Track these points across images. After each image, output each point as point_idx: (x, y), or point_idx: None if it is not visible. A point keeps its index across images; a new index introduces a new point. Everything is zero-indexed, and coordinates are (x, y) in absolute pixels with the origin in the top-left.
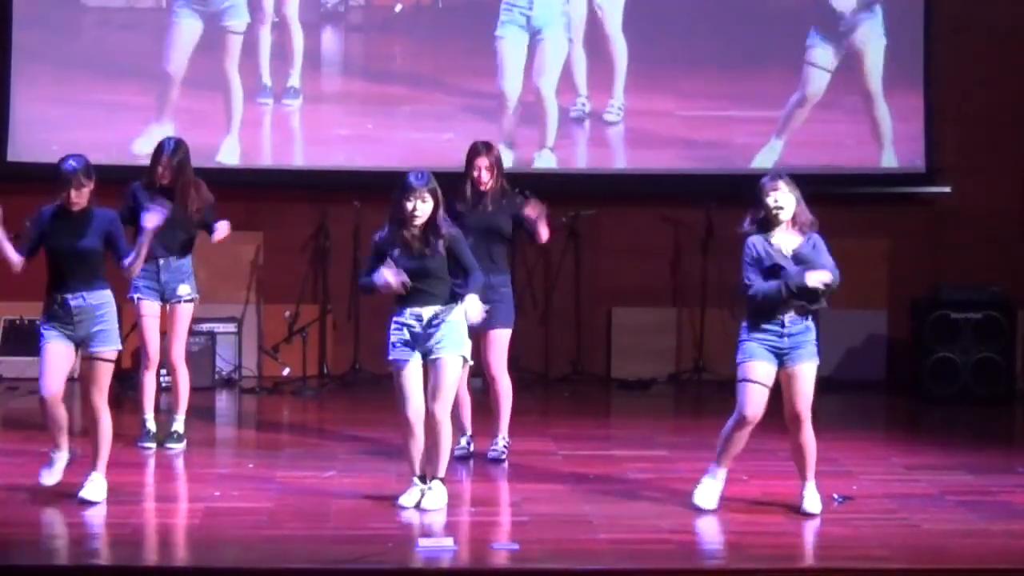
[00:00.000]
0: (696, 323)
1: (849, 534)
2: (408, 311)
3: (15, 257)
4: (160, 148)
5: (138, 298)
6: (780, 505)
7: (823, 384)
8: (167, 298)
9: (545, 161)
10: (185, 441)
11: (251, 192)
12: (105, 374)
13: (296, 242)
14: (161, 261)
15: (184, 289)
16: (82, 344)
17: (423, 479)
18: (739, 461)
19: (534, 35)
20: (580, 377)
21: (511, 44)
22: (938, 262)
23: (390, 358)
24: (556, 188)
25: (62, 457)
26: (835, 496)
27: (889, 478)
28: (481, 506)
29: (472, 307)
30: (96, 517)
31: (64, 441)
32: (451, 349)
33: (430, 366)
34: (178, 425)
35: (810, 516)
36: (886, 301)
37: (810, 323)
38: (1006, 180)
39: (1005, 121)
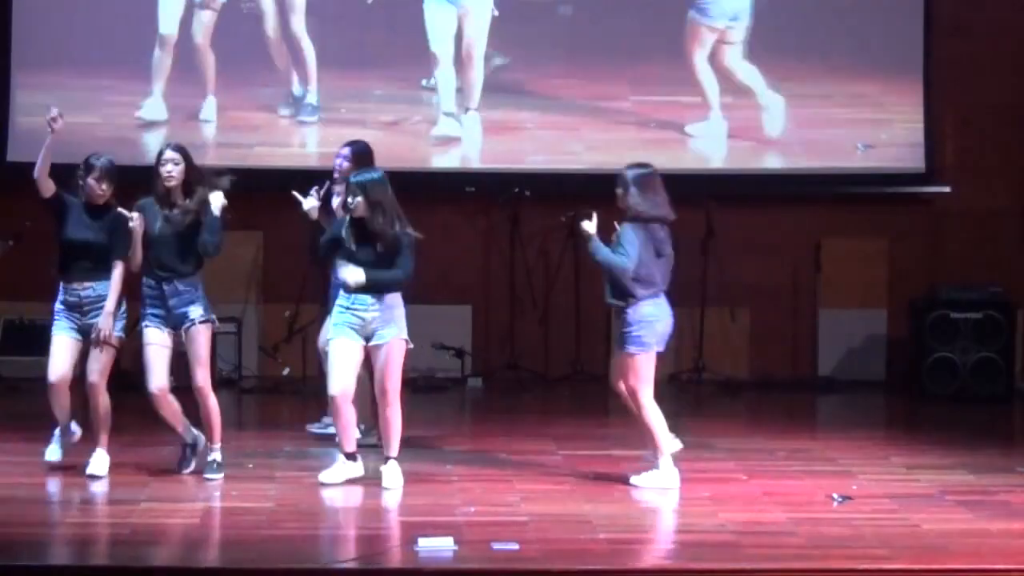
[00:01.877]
0: (696, 323)
1: (849, 534)
2: (354, 297)
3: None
4: (161, 153)
5: (144, 326)
6: (780, 505)
7: (823, 384)
8: (177, 324)
9: (471, 121)
10: (223, 471)
11: (251, 192)
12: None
13: (296, 242)
14: (166, 286)
15: (196, 311)
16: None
17: (352, 456)
18: (739, 461)
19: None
20: (580, 377)
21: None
22: (938, 262)
23: (331, 337)
24: (555, 188)
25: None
26: (835, 496)
27: (889, 478)
28: (481, 506)
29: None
30: (96, 517)
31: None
32: (396, 332)
33: (375, 350)
34: (216, 455)
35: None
36: (886, 301)
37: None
38: (1006, 180)
39: (1005, 121)
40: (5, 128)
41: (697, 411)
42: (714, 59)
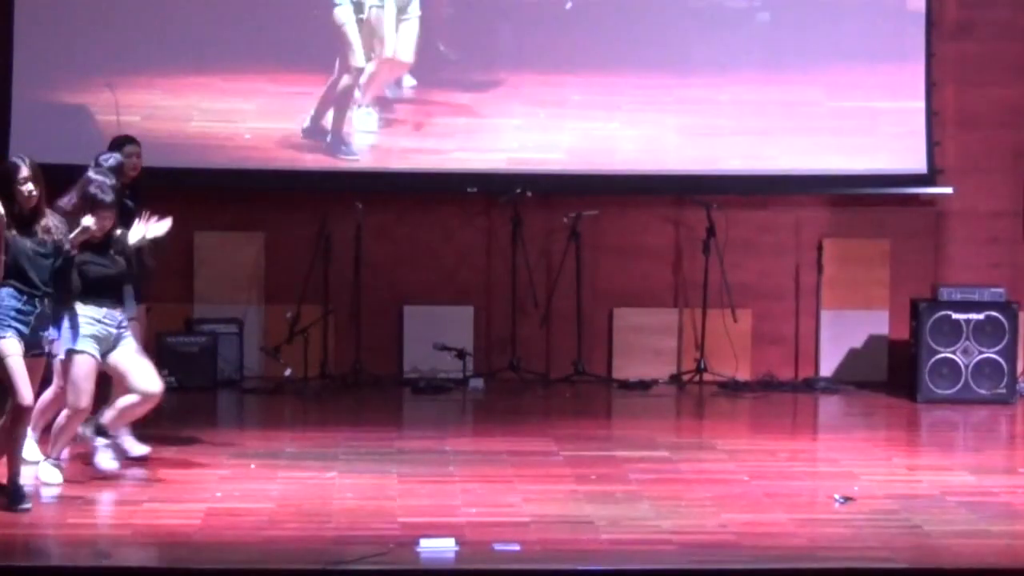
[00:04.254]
0: (697, 323)
1: (850, 534)
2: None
3: None
4: (17, 169)
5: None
6: (782, 506)
7: (825, 385)
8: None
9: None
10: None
11: (252, 192)
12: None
13: (297, 242)
14: (38, 304)
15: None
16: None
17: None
18: (740, 462)
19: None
20: (581, 378)
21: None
22: (939, 262)
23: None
24: (557, 188)
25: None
26: (836, 496)
27: (890, 478)
28: (482, 506)
29: None
30: (96, 517)
31: None
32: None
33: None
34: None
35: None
36: (887, 301)
37: None
38: (1007, 181)
39: (1005, 122)
40: (6, 129)
41: (698, 412)
42: None
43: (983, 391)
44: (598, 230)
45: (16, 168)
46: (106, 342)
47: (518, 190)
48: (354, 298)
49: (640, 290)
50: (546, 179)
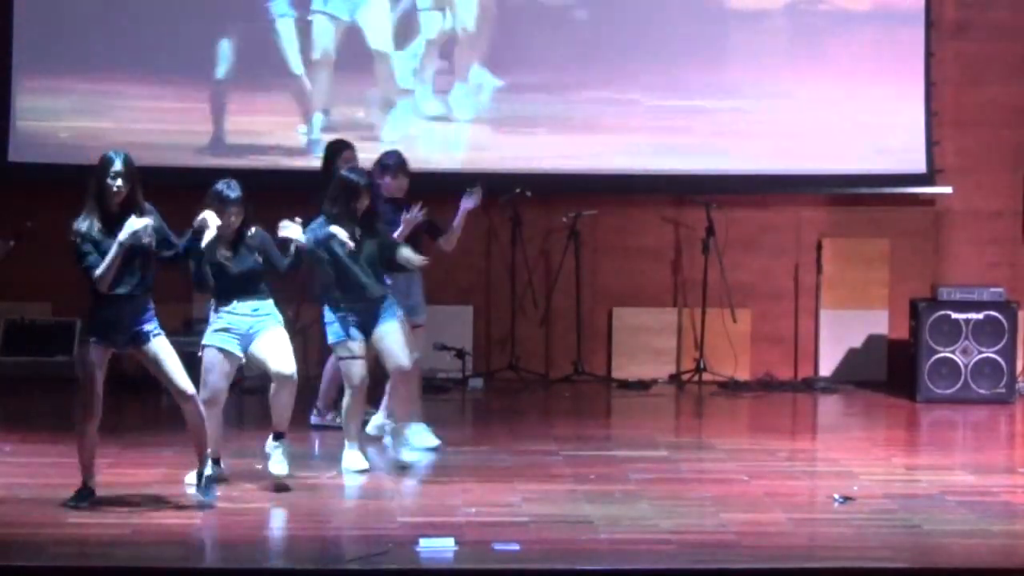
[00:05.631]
0: (697, 323)
1: (850, 534)
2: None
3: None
4: (111, 163)
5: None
6: (781, 506)
7: (824, 384)
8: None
9: None
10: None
11: (251, 193)
12: None
13: None
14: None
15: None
16: None
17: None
18: (740, 462)
19: None
20: (581, 377)
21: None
22: (938, 262)
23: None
24: (557, 188)
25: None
26: (836, 496)
27: (890, 478)
28: (482, 506)
29: None
30: (96, 517)
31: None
32: None
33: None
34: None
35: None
36: (887, 301)
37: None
38: (1006, 181)
39: (1005, 122)
40: (6, 129)
41: (698, 412)
42: None
43: (982, 391)
44: (597, 230)
45: (110, 162)
46: (245, 336)
47: (518, 190)
48: None
49: (640, 290)
50: (545, 179)
